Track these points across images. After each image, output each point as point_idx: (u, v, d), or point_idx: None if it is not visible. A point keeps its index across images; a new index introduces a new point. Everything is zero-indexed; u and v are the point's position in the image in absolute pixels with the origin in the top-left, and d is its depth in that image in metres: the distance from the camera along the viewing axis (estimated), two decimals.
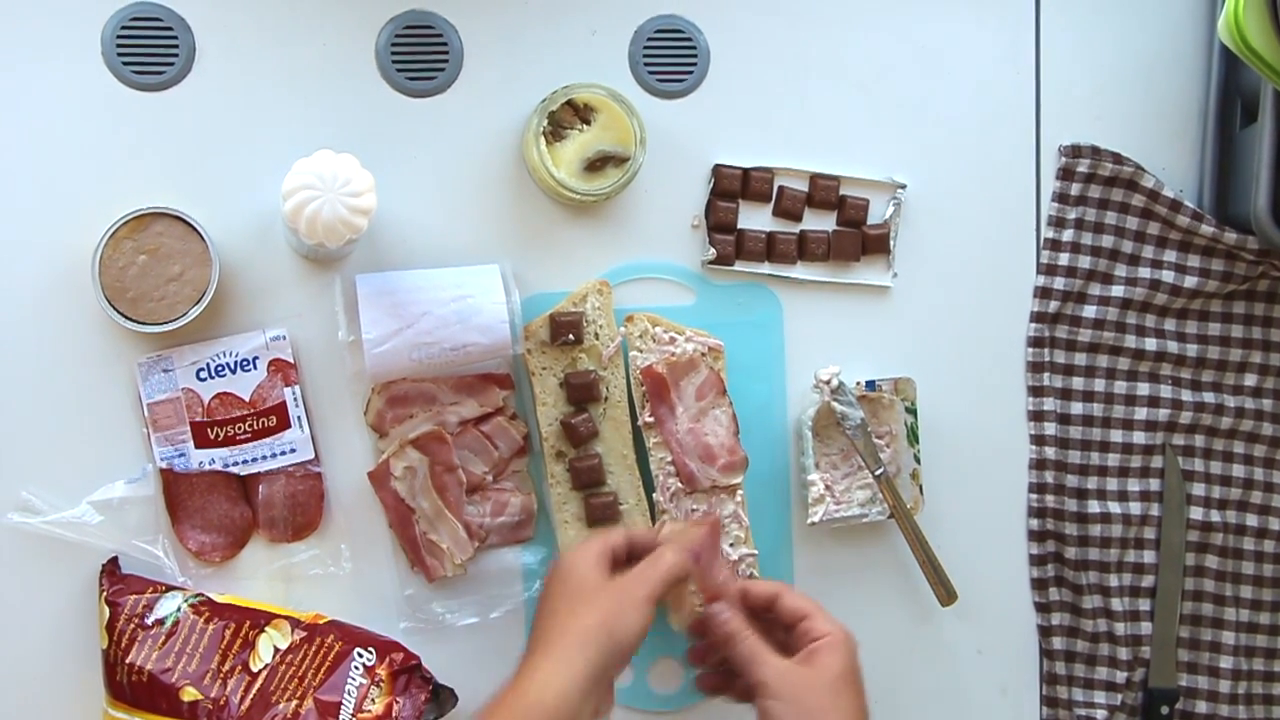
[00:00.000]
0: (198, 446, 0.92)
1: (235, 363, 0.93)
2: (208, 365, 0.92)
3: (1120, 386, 1.04)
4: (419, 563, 0.95)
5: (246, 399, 0.93)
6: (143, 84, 0.93)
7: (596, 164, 0.94)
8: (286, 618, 0.90)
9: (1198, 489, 1.04)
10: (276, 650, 0.89)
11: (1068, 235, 1.03)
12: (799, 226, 1.01)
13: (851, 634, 0.87)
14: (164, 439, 0.92)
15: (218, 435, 0.92)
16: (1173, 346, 1.04)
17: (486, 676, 0.95)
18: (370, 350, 0.90)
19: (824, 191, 1.01)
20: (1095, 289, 1.03)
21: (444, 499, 0.95)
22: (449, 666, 0.93)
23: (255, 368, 0.93)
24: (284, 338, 0.93)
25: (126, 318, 0.89)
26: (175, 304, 0.89)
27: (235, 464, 0.93)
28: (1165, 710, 1.03)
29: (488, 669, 0.96)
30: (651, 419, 0.96)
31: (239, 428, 0.93)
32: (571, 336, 0.95)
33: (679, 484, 0.96)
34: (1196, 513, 1.04)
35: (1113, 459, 1.04)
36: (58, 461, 0.92)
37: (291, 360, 0.94)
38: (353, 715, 0.87)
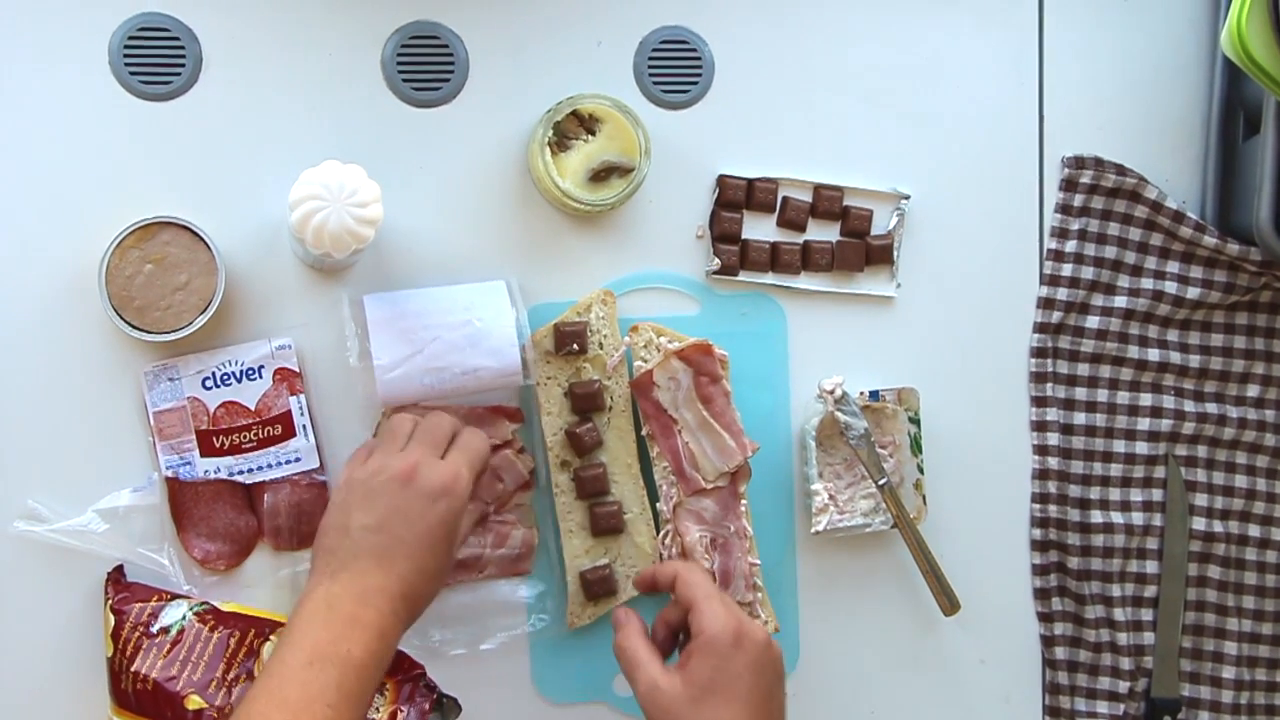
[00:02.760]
0: (203, 455, 0.93)
1: (241, 372, 0.93)
2: (213, 374, 0.93)
3: (1123, 397, 1.04)
4: (679, 474, 0.95)
5: (252, 408, 0.93)
6: (150, 94, 0.94)
7: (601, 174, 0.95)
8: None
9: (1200, 499, 1.04)
10: None
11: (1071, 246, 1.03)
12: (803, 237, 1.02)
13: (737, 629, 0.82)
14: (169, 447, 0.92)
15: (223, 444, 0.92)
16: (1175, 357, 1.04)
17: (487, 694, 0.96)
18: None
19: (828, 202, 1.01)
20: (1098, 300, 1.04)
21: (709, 409, 0.94)
22: (451, 680, 0.93)
23: (261, 377, 0.93)
24: (289, 347, 0.94)
25: (133, 326, 0.89)
26: (181, 313, 0.89)
27: (240, 472, 0.93)
28: None
29: (488, 688, 0.96)
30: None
31: (244, 436, 0.93)
32: (576, 346, 0.95)
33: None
34: (1199, 523, 1.04)
35: (1115, 469, 1.04)
36: (63, 470, 0.92)
37: (297, 369, 0.94)
38: None
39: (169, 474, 0.92)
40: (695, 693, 0.81)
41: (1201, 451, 1.05)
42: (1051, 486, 1.03)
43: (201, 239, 0.89)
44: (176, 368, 0.92)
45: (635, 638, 0.86)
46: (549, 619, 0.97)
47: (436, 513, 0.83)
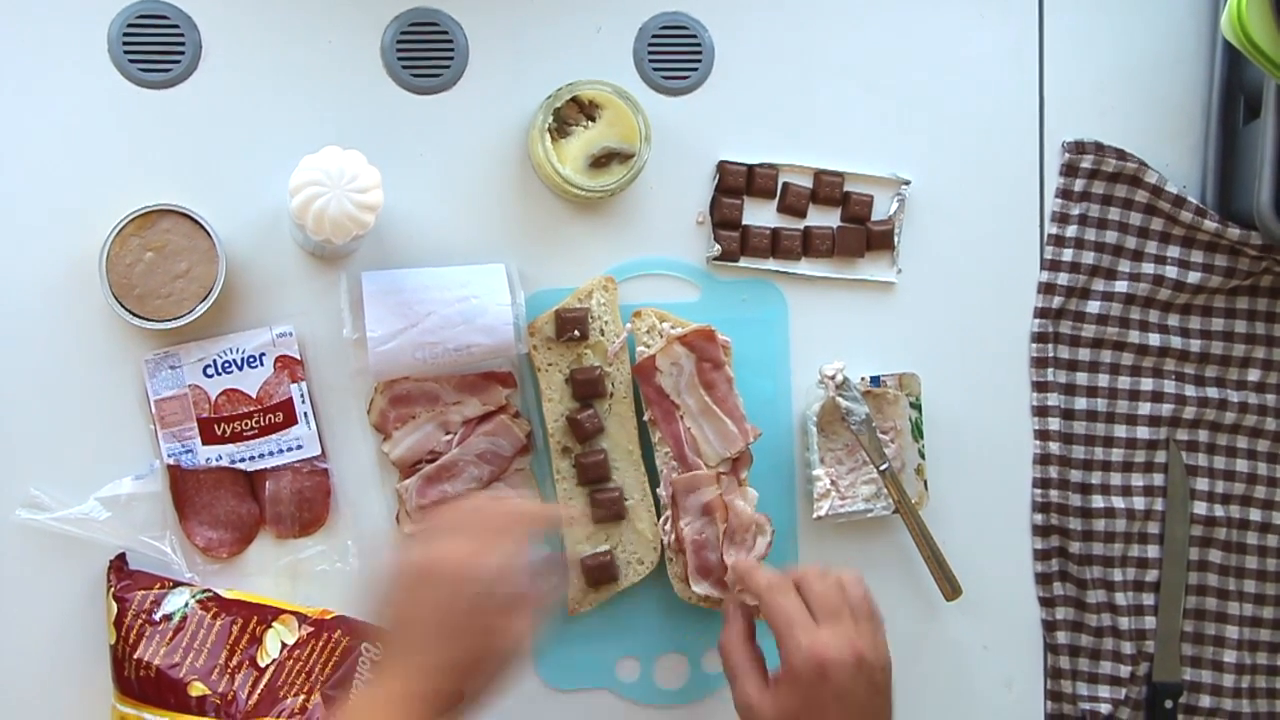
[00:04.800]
0: (205, 443, 0.93)
1: (242, 359, 0.93)
2: (214, 362, 0.93)
3: (1124, 382, 1.04)
4: (681, 459, 0.95)
5: (253, 395, 0.93)
6: (149, 81, 0.94)
7: (601, 160, 0.95)
8: (294, 613, 0.91)
9: (1201, 484, 1.05)
10: (284, 645, 0.89)
11: (1071, 231, 1.03)
12: (803, 223, 1.02)
13: (820, 661, 0.80)
14: (171, 435, 0.92)
15: (224, 432, 0.93)
16: (1176, 342, 1.04)
17: None
18: (374, 348, 0.90)
19: (828, 188, 1.01)
20: (1099, 285, 1.04)
21: (712, 395, 0.94)
22: None
23: (262, 364, 0.93)
24: (290, 334, 0.94)
25: (133, 314, 0.89)
26: (182, 301, 0.89)
27: (242, 460, 0.93)
28: (1169, 704, 1.03)
29: None
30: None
31: (246, 424, 0.93)
32: (577, 333, 0.95)
33: None
34: (1200, 507, 1.04)
35: (1116, 454, 1.04)
36: (65, 458, 0.92)
37: (298, 357, 0.94)
38: None
39: (171, 461, 0.92)
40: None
41: (1202, 436, 1.05)
42: (1052, 471, 1.03)
43: (202, 226, 0.89)
44: (178, 355, 0.92)
45: (738, 642, 0.86)
46: (555, 582, 0.97)
47: (443, 599, 0.76)
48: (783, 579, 0.85)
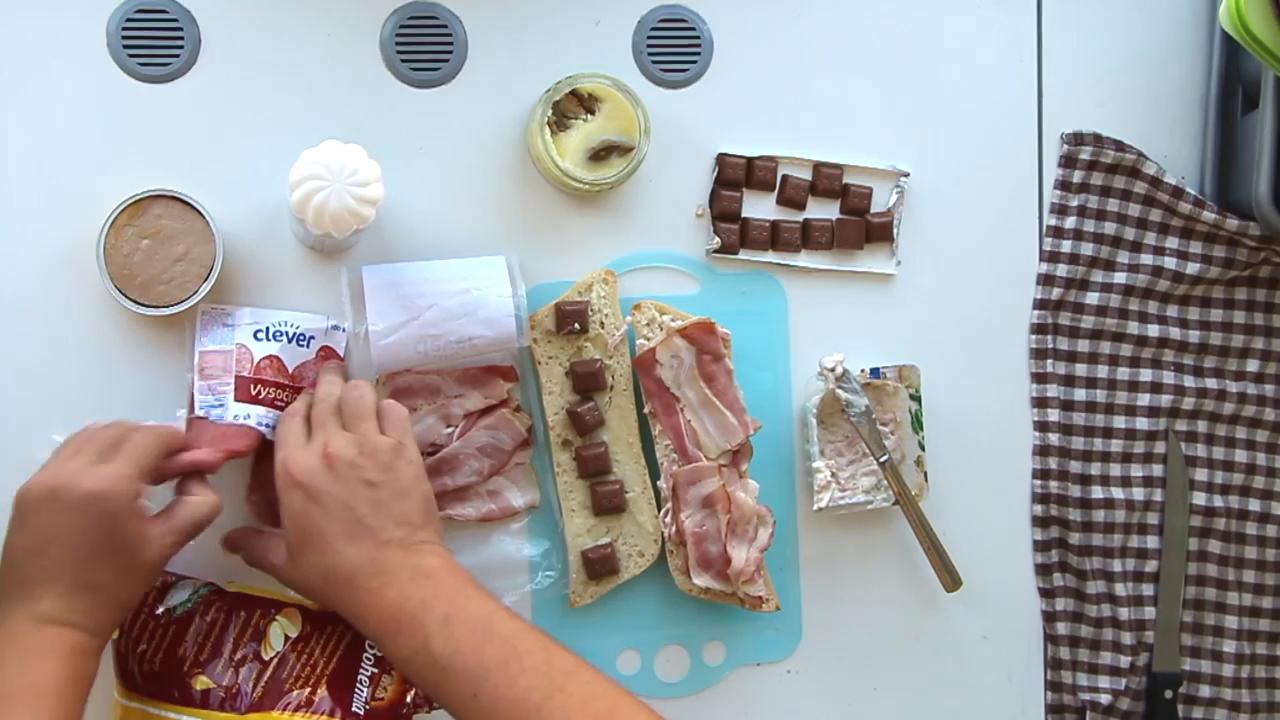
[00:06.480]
0: (237, 400, 0.90)
1: (292, 334, 0.92)
2: (266, 329, 0.92)
3: (1123, 373, 1.04)
4: (681, 452, 0.95)
5: (290, 371, 0.92)
6: (148, 76, 0.93)
7: (601, 153, 0.95)
8: (297, 606, 0.91)
9: (1200, 474, 1.05)
10: (287, 639, 0.89)
11: (1070, 222, 1.04)
12: (803, 215, 1.02)
13: (287, 467, 0.84)
14: (207, 388, 0.90)
15: (259, 394, 0.91)
16: (1175, 333, 1.04)
17: None
18: (376, 342, 0.91)
19: (827, 180, 1.01)
20: (1098, 276, 1.04)
21: (712, 387, 0.95)
22: None
23: (308, 347, 0.93)
24: (342, 330, 0.94)
25: (138, 304, 0.89)
26: (185, 284, 0.89)
27: (267, 425, 0.91)
28: (1169, 694, 1.04)
29: None
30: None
31: (280, 393, 0.92)
32: (577, 325, 0.95)
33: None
34: (1199, 498, 1.05)
35: (1116, 445, 1.04)
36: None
37: (343, 355, 0.94)
38: (366, 703, 0.87)
39: (200, 413, 0.90)
40: (293, 554, 0.85)
41: (1201, 427, 1.05)
42: (1052, 462, 1.03)
43: (193, 207, 0.89)
44: (233, 315, 0.92)
45: (250, 541, 0.90)
46: (555, 575, 0.98)
47: (92, 522, 0.79)
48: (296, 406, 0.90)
